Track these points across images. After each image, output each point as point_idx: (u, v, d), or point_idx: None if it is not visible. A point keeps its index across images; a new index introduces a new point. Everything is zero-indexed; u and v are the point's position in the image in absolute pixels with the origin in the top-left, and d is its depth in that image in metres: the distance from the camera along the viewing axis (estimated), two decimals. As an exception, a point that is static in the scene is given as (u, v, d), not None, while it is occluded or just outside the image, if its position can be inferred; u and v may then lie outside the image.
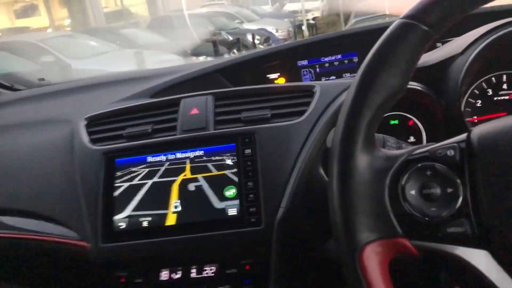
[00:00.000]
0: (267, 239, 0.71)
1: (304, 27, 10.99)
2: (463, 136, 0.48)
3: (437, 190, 0.47)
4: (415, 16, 0.47)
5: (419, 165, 0.48)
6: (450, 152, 0.47)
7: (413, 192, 0.47)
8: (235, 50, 8.28)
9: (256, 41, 9.00)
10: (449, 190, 0.46)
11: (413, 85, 0.80)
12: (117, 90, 1.08)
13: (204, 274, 0.74)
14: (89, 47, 7.23)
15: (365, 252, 0.46)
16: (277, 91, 0.86)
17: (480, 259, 0.43)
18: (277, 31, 10.75)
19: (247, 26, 11.04)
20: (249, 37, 9.14)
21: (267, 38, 9.82)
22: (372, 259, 0.45)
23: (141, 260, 0.75)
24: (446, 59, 0.81)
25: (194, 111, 0.82)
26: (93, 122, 0.88)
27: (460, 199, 0.46)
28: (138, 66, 6.34)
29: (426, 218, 0.46)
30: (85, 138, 0.84)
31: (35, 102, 1.15)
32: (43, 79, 1.48)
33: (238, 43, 8.54)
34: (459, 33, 0.88)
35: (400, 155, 0.49)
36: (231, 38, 9.12)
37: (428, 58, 0.85)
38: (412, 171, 0.48)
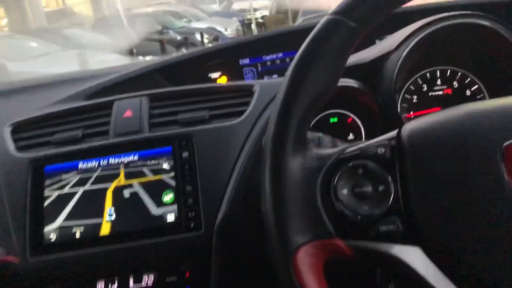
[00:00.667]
0: (207, 244, 0.69)
1: (253, 26, 11.01)
2: (394, 133, 0.48)
3: (369, 189, 0.46)
4: (341, 12, 0.47)
5: (350, 164, 0.47)
6: (381, 150, 0.47)
7: (345, 191, 0.47)
8: (183, 50, 8.16)
9: (205, 40, 8.89)
10: (381, 188, 0.46)
11: (350, 82, 0.80)
12: (51, 93, 1.02)
13: (143, 284, 0.71)
14: (28, 48, 6.89)
15: (298, 254, 0.45)
16: (216, 91, 0.84)
17: (412, 256, 0.43)
18: (226, 30, 10.69)
19: (195, 25, 10.91)
20: (198, 36, 9.02)
21: (216, 37, 9.72)
22: (306, 262, 0.44)
23: (74, 272, 0.71)
24: (381, 56, 0.82)
25: (128, 113, 0.79)
26: (19, 129, 0.82)
27: (392, 196, 0.45)
28: (81, 68, 6.10)
29: (359, 217, 0.46)
30: (10, 145, 0.78)
31: None
32: (-31, 83, 1.38)
33: (186, 42, 8.42)
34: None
35: (332, 154, 0.49)
36: (179, 37, 8.98)
37: (364, 55, 0.86)
38: (344, 170, 0.47)
